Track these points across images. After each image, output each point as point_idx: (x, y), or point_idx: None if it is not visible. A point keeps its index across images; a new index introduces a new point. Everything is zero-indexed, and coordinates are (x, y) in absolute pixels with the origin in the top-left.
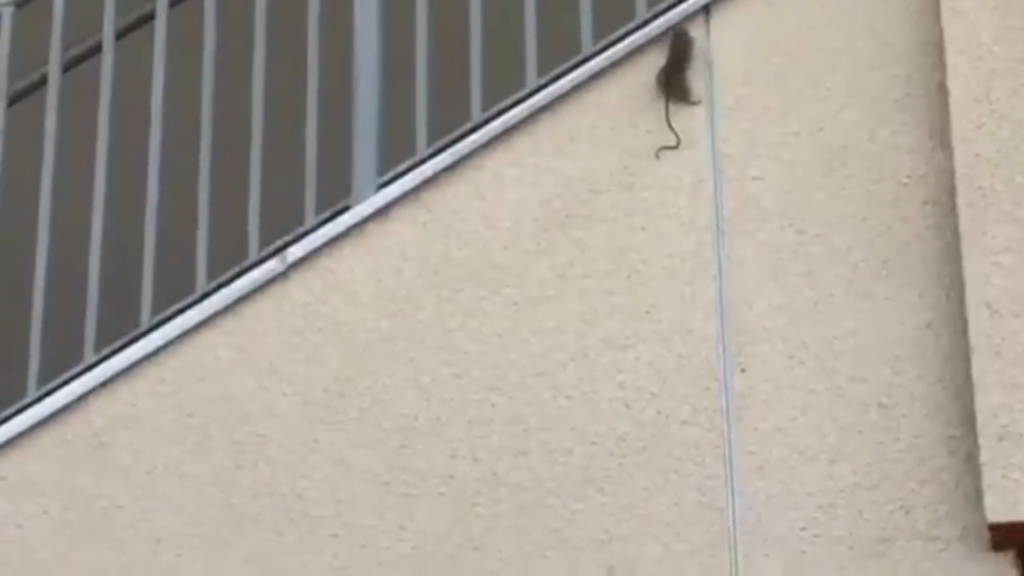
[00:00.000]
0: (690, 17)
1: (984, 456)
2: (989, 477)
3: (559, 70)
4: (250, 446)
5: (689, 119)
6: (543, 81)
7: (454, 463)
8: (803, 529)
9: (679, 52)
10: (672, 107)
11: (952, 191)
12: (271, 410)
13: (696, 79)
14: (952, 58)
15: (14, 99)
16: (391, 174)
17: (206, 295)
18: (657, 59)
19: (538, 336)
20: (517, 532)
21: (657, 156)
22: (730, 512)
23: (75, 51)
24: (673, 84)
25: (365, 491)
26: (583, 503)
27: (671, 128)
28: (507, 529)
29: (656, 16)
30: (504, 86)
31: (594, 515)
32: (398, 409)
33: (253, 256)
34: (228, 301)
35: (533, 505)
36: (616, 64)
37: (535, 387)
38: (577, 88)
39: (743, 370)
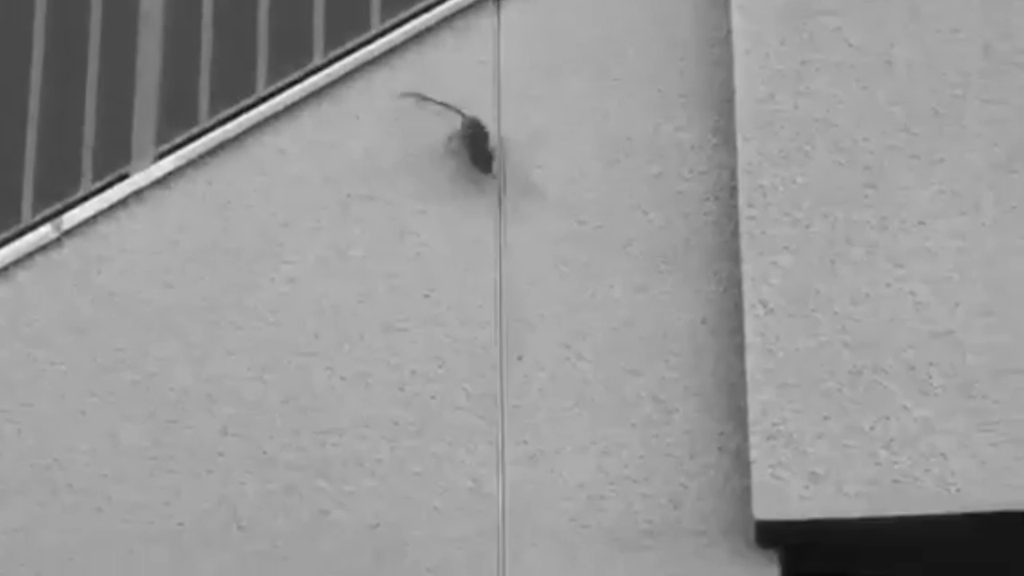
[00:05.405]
0: (480, 2)
1: (754, 454)
2: (758, 475)
3: (347, 46)
4: (16, 415)
5: (475, 105)
6: (331, 57)
7: (224, 441)
8: (572, 520)
9: (473, 138)
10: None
11: (733, 189)
12: (39, 379)
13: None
14: (739, 57)
15: None
16: (171, 143)
17: None
18: (447, 40)
19: (314, 315)
20: (285, 513)
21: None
22: (500, 500)
23: None
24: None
25: (132, 466)
26: (353, 486)
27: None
28: (275, 509)
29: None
30: (291, 60)
31: (364, 498)
32: (168, 383)
33: (26, 220)
34: None
35: (302, 486)
36: (405, 45)
37: (309, 367)
38: (365, 66)
39: (519, 358)
